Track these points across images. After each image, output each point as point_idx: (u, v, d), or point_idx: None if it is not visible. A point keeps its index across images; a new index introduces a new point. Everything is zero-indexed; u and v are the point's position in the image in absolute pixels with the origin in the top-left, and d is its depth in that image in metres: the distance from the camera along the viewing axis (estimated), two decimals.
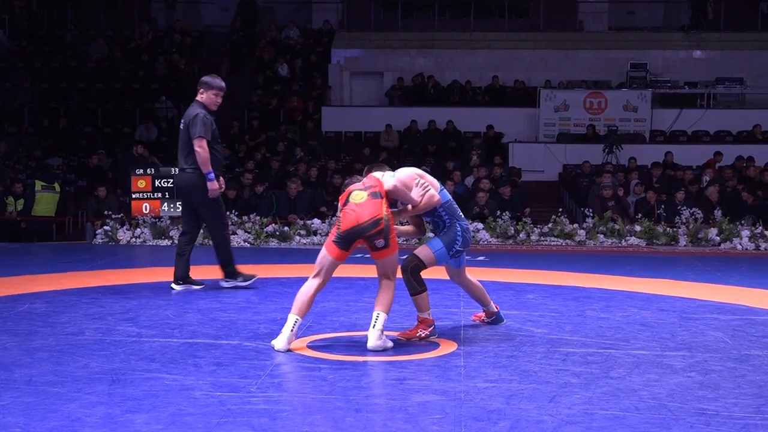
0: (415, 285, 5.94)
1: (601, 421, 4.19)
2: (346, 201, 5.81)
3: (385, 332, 5.73)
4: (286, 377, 5.06)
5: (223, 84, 8.03)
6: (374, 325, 5.74)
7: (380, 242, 5.71)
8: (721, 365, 5.34)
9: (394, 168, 6.22)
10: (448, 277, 6.50)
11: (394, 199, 6.01)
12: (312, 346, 5.73)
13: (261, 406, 4.34)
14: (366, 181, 5.93)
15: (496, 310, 6.60)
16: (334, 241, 5.77)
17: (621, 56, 22.74)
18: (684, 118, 21.03)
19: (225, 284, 8.19)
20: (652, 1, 24.94)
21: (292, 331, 5.61)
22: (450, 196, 6.16)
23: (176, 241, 12.54)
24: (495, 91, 22.15)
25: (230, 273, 8.20)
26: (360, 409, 4.35)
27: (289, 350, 5.55)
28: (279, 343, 5.59)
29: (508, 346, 5.84)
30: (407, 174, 6.02)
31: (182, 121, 8.04)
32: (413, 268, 5.95)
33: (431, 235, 6.29)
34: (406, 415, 4.26)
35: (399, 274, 5.91)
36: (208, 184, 7.85)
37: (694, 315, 7.08)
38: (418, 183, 5.98)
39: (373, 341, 5.73)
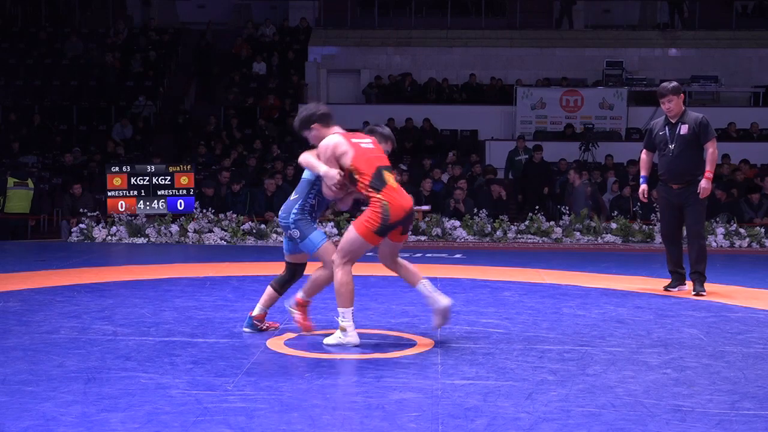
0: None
1: (577, 417, 4.21)
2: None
3: (364, 331, 5.71)
4: (262, 375, 5.04)
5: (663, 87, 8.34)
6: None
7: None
8: (696, 362, 5.37)
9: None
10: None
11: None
12: (289, 344, 5.71)
13: (238, 405, 4.33)
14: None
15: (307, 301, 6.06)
16: (376, 231, 5.57)
17: (597, 54, 22.81)
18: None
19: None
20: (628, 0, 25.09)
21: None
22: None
23: (152, 239, 12.54)
24: (472, 88, 22.16)
25: (695, 274, 8.16)
26: (337, 407, 4.34)
27: (266, 348, 5.53)
28: (352, 338, 5.59)
29: (485, 344, 5.85)
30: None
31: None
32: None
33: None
34: (383, 413, 4.26)
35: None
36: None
37: (669, 312, 7.12)
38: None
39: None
